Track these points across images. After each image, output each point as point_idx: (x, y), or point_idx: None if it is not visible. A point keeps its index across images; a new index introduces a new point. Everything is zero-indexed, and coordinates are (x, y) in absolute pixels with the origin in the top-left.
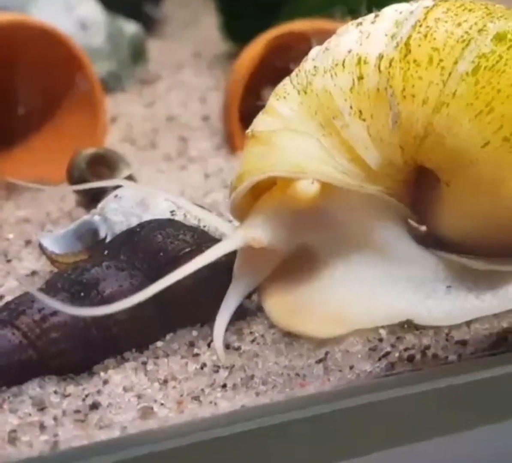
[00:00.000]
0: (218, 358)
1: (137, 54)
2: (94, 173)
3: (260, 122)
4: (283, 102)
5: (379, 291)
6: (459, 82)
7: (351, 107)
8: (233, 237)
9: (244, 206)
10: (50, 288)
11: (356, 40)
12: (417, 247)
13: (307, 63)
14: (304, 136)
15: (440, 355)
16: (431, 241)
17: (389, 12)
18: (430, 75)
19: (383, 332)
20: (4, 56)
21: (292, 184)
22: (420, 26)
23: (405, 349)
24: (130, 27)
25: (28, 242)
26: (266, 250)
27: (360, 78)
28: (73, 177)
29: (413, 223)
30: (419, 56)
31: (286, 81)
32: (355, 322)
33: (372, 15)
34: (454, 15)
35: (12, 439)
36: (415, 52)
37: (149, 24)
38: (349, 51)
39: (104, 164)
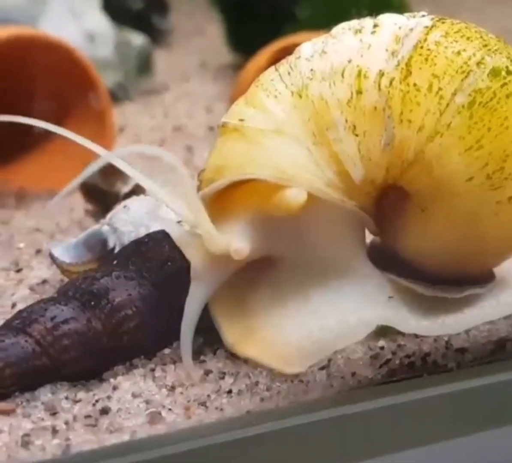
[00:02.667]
0: (186, 373)
1: (144, 65)
2: (107, 183)
3: (246, 116)
4: (275, 101)
5: (336, 314)
6: (455, 114)
7: (346, 121)
8: (214, 243)
9: (215, 198)
10: (61, 296)
11: (356, 50)
12: (370, 264)
13: (302, 63)
14: (294, 142)
15: (440, 363)
16: (382, 258)
17: (388, 24)
18: (428, 103)
19: (383, 340)
20: (14, 69)
21: (278, 191)
22: (421, 47)
23: (406, 356)
24: (137, 39)
25: (38, 251)
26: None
27: (359, 92)
28: (87, 187)
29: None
30: (419, 80)
31: (274, 75)
32: (312, 354)
33: (370, 24)
34: (454, 41)
35: (25, 443)
36: (416, 76)
37: (156, 35)
38: (349, 61)
39: (114, 174)
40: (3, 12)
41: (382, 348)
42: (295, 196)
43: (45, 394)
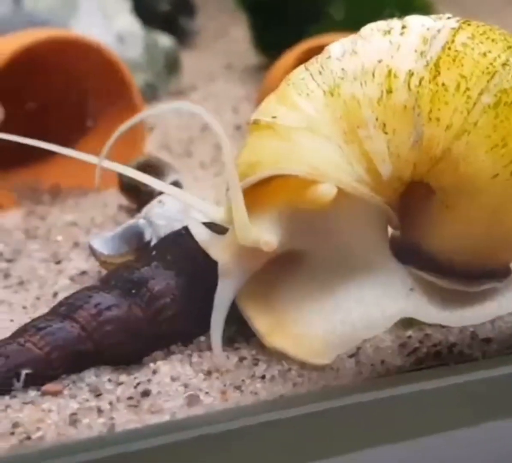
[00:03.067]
0: (217, 363)
1: (172, 66)
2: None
3: (279, 114)
4: (307, 99)
5: (360, 308)
6: (481, 114)
7: (376, 119)
8: (246, 235)
9: (245, 193)
10: (104, 285)
11: (386, 51)
12: (392, 258)
13: (332, 63)
14: (326, 140)
15: (466, 352)
16: (403, 252)
17: (415, 25)
18: (456, 102)
19: (410, 330)
20: (52, 69)
21: (308, 187)
22: (449, 48)
23: (433, 346)
24: (165, 40)
25: (75, 244)
26: (259, 249)
27: (389, 91)
28: (125, 184)
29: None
30: (447, 80)
31: (304, 74)
32: (338, 346)
33: (398, 25)
34: (480, 43)
35: (73, 421)
36: (444, 76)
37: (182, 37)
38: (380, 61)
39: (153, 171)
40: (36, 14)
41: (409, 337)
42: (326, 191)
43: (89, 376)
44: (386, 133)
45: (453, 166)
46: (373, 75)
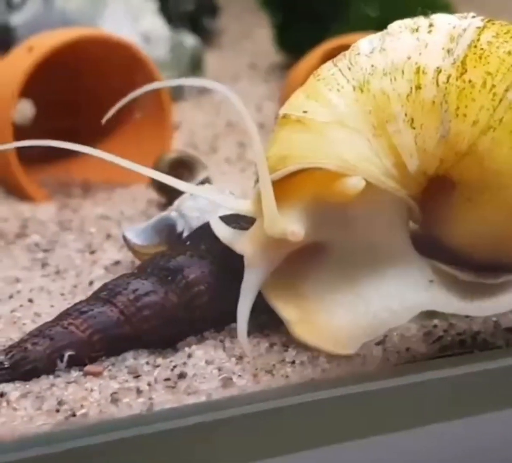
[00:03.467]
0: (243, 352)
1: (196, 65)
2: (176, 175)
3: (310, 109)
4: (337, 95)
5: (382, 299)
6: (507, 110)
7: (405, 114)
8: (274, 225)
9: (276, 187)
10: (142, 272)
11: (414, 48)
12: (413, 250)
13: (362, 59)
14: (356, 134)
15: (489, 341)
16: (423, 244)
17: (442, 24)
18: (483, 99)
19: (436, 319)
20: (84, 68)
21: (335, 180)
22: (475, 46)
23: (457, 334)
24: (190, 40)
25: (108, 236)
26: (285, 239)
27: (418, 87)
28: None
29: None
30: (474, 77)
31: (334, 69)
32: (361, 337)
33: (426, 23)
34: (504, 41)
35: (114, 400)
36: (471, 73)
37: (206, 37)
38: (409, 58)
39: (184, 167)
40: (65, 14)
41: (434, 326)
42: (355, 184)
43: (128, 359)
44: (414, 128)
45: (478, 161)
46: (402, 71)
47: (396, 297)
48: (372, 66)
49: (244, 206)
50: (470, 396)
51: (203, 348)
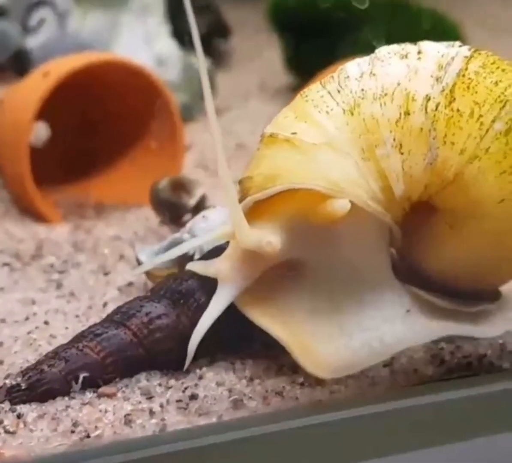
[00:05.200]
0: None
1: None
2: (174, 197)
3: (299, 130)
4: (327, 117)
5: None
6: (493, 140)
7: (394, 139)
8: (247, 237)
9: (257, 204)
10: (155, 295)
11: (404, 75)
12: (392, 276)
13: (352, 83)
14: (345, 157)
15: (495, 363)
16: (403, 271)
17: (431, 51)
18: (470, 128)
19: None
20: (98, 90)
21: (320, 201)
22: (463, 76)
23: (464, 357)
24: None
25: (121, 257)
26: (260, 255)
27: (407, 113)
28: (157, 201)
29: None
30: (462, 106)
31: (323, 91)
32: (341, 369)
33: (415, 50)
34: (491, 72)
35: (128, 421)
36: (459, 102)
37: (217, 58)
38: (399, 84)
39: (182, 188)
40: (80, 38)
41: (441, 349)
42: (342, 206)
43: (141, 380)
44: (402, 153)
45: (463, 189)
46: (392, 97)
47: (374, 330)
48: (362, 90)
49: (222, 230)
50: (477, 418)
51: (214, 370)
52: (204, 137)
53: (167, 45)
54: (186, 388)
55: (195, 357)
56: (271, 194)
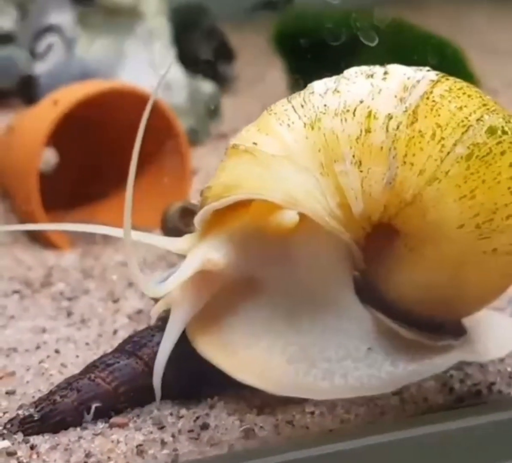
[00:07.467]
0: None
1: (213, 110)
2: (185, 223)
3: (259, 141)
4: (288, 129)
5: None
6: (454, 163)
7: (353, 156)
8: (192, 257)
9: (213, 214)
10: (164, 324)
11: (368, 93)
12: (356, 299)
13: (315, 98)
14: (303, 170)
15: (504, 391)
16: (366, 294)
17: (397, 73)
18: (431, 149)
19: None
20: (102, 117)
21: (270, 212)
22: (427, 98)
23: (473, 385)
24: (207, 86)
25: (130, 284)
26: (209, 274)
27: (368, 131)
28: (167, 227)
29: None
30: (424, 127)
31: (287, 105)
32: (300, 393)
33: (381, 71)
34: (456, 96)
35: (140, 452)
36: (421, 123)
37: (222, 82)
38: (361, 102)
39: (190, 214)
40: (86, 64)
41: (451, 376)
42: (290, 217)
43: (152, 410)
44: (361, 171)
45: (422, 211)
46: (354, 113)
47: (338, 366)
48: (325, 105)
49: (175, 245)
50: (486, 446)
51: (225, 399)
52: (211, 161)
53: (173, 70)
54: (197, 418)
55: (207, 386)
56: (229, 203)
